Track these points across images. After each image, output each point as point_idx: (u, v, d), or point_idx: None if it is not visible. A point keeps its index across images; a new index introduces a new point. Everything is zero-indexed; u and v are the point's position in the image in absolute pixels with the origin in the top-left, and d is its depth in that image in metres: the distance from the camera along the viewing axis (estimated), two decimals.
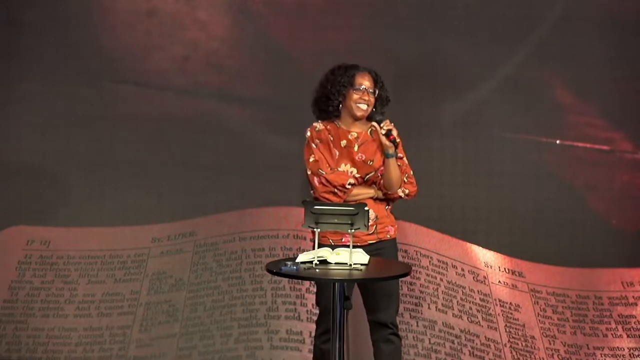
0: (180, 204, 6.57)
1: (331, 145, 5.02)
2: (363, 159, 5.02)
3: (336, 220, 4.46)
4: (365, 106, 5.01)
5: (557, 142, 6.63)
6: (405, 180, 5.08)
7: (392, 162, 4.97)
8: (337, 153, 5.02)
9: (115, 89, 6.67)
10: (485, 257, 6.41)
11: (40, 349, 6.08)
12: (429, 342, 5.97)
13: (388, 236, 5.08)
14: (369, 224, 4.80)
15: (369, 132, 5.07)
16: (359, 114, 5.02)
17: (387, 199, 5.09)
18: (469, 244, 6.42)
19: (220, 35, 6.68)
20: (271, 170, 6.50)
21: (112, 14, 6.67)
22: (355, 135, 5.05)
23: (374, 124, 4.99)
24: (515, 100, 6.58)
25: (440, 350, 5.96)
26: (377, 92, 5.03)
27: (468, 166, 6.58)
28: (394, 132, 4.94)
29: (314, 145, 5.03)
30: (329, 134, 5.05)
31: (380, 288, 5.01)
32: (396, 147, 4.95)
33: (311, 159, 5.03)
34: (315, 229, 4.49)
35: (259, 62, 6.63)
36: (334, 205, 4.61)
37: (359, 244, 4.84)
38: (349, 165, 5.00)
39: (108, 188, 6.60)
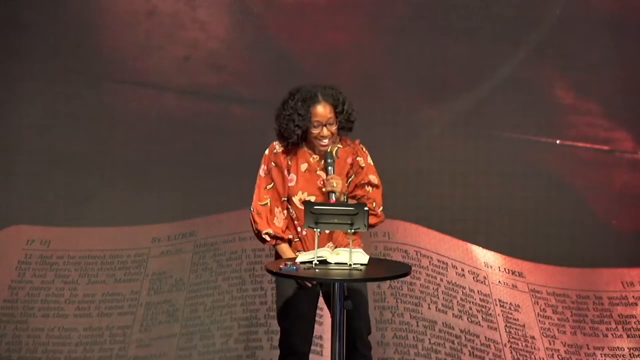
0: (180, 204, 6.57)
1: (285, 171, 4.75)
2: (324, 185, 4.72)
3: (336, 220, 4.45)
4: (326, 140, 4.68)
5: (557, 142, 6.63)
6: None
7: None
8: (295, 179, 4.74)
9: (115, 89, 6.67)
10: (485, 257, 6.41)
11: (40, 349, 6.08)
12: (429, 342, 5.97)
13: None
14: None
15: (334, 152, 4.77)
16: (321, 149, 4.72)
17: None
18: (469, 244, 6.42)
19: (220, 35, 6.68)
20: None
21: (111, 14, 6.67)
22: (318, 158, 4.77)
23: (314, 160, 4.72)
24: (515, 100, 6.58)
25: (440, 350, 5.96)
26: (338, 119, 4.68)
27: (468, 166, 6.57)
28: (336, 196, 4.61)
29: (264, 167, 4.79)
30: (288, 156, 4.76)
31: (355, 307, 4.63)
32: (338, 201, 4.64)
33: (257, 184, 4.79)
34: (315, 229, 4.48)
35: (259, 62, 6.63)
36: (333, 206, 4.59)
37: None
38: (306, 194, 4.72)
39: (108, 188, 6.60)
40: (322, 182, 4.72)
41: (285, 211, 4.78)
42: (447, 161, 6.58)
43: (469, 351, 5.99)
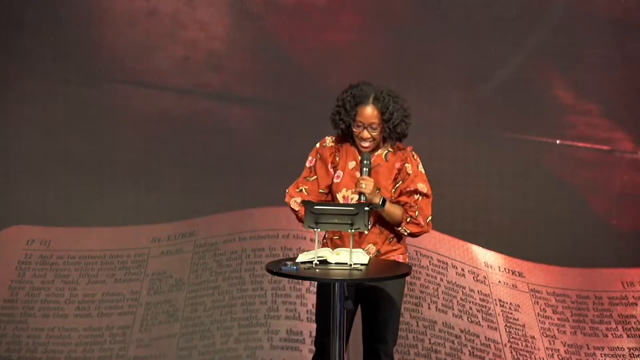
0: (180, 204, 6.57)
1: (330, 165, 4.75)
2: None
3: (336, 220, 4.44)
4: (367, 143, 4.66)
5: (557, 142, 6.63)
6: (408, 221, 4.68)
7: (381, 211, 4.63)
8: (341, 175, 4.73)
9: (115, 89, 6.67)
10: (485, 257, 6.41)
11: (40, 349, 6.08)
12: (429, 342, 5.97)
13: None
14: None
15: (383, 156, 4.74)
16: (362, 149, 4.69)
17: (396, 232, 4.74)
18: (468, 244, 6.42)
19: (220, 35, 6.68)
20: (271, 170, 6.49)
21: (112, 14, 6.67)
22: None
23: (357, 175, 4.67)
24: (515, 100, 6.57)
25: (440, 350, 5.96)
26: (383, 123, 4.64)
27: (468, 166, 6.57)
28: (365, 197, 4.55)
29: (311, 159, 4.79)
30: (337, 152, 4.76)
31: (378, 312, 4.70)
32: (371, 208, 4.54)
33: (304, 171, 4.80)
34: (315, 229, 4.48)
35: (259, 62, 6.63)
36: (334, 205, 4.59)
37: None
38: (350, 192, 4.70)
39: (108, 188, 6.59)
40: None
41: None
42: (447, 161, 6.57)
43: (469, 351, 5.99)
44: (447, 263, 6.29)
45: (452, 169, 6.57)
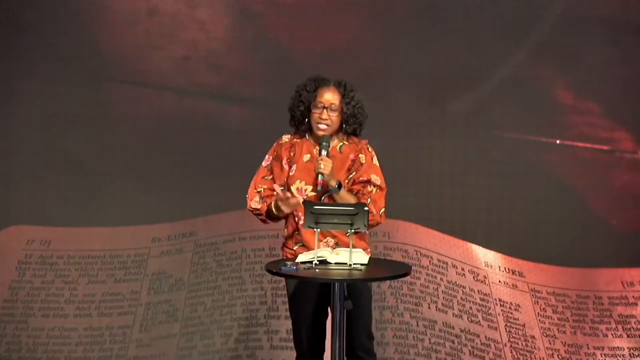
0: (180, 204, 6.57)
1: (285, 160, 4.79)
2: None
3: (336, 220, 4.45)
4: (325, 126, 4.73)
5: (557, 142, 6.63)
6: None
7: (335, 196, 4.67)
8: (295, 168, 4.76)
9: (115, 89, 6.67)
10: (485, 257, 6.41)
11: (40, 349, 6.08)
12: (429, 342, 5.97)
13: None
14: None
15: (338, 148, 4.79)
16: (319, 133, 4.74)
17: None
18: (469, 244, 6.42)
19: (220, 35, 6.68)
20: None
21: (112, 14, 6.67)
22: None
23: (317, 151, 4.73)
24: (515, 100, 6.58)
25: (441, 350, 5.96)
26: (343, 108, 4.73)
27: (468, 166, 6.58)
28: (323, 177, 4.62)
29: (267, 157, 4.86)
30: (292, 148, 4.81)
31: (353, 314, 4.63)
32: (329, 191, 4.63)
33: (257, 172, 4.87)
34: (315, 229, 4.48)
35: (259, 62, 6.63)
36: (333, 205, 4.59)
37: None
38: (303, 183, 4.73)
39: (108, 188, 6.60)
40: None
41: None
42: (447, 161, 6.58)
43: (469, 351, 5.99)
44: (447, 263, 6.29)
45: (452, 169, 6.57)
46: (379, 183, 4.77)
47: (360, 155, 4.79)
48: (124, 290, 6.31)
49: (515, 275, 6.39)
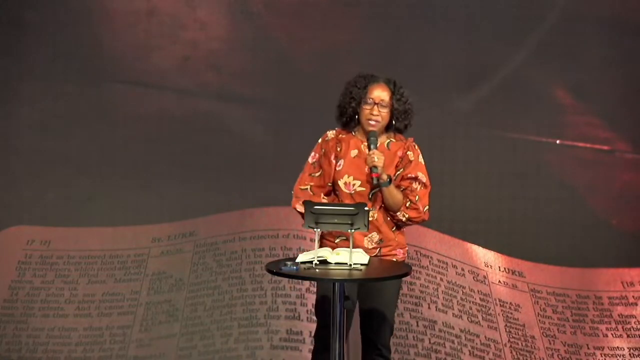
0: (180, 204, 6.57)
1: (332, 156, 4.83)
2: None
3: (336, 220, 4.45)
4: (374, 122, 4.79)
5: (557, 142, 6.63)
6: (407, 205, 4.77)
7: (384, 190, 4.73)
8: (342, 163, 4.79)
9: (115, 89, 6.67)
10: (485, 257, 6.41)
11: (40, 349, 6.08)
12: (429, 342, 5.97)
13: (394, 260, 4.82)
14: (372, 246, 4.73)
15: (385, 144, 4.84)
16: (368, 129, 4.79)
17: (394, 220, 4.83)
18: (469, 244, 6.42)
19: (220, 35, 6.68)
20: (271, 170, 6.50)
21: (112, 14, 6.67)
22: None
23: (364, 147, 4.79)
24: (515, 100, 6.58)
25: (440, 350, 5.96)
26: (393, 104, 4.80)
27: (468, 166, 6.58)
28: (377, 170, 4.69)
29: (314, 154, 4.89)
30: (339, 143, 4.84)
31: (376, 307, 4.78)
32: (379, 184, 4.70)
33: (303, 169, 4.90)
34: (315, 229, 4.48)
35: (259, 62, 6.63)
36: (334, 205, 4.59)
37: None
38: (352, 178, 4.77)
39: (108, 188, 6.60)
40: (368, 169, 4.76)
41: (326, 197, 4.84)
42: (447, 161, 6.58)
43: (469, 351, 5.99)
44: (447, 263, 6.29)
45: (452, 169, 6.57)
46: (424, 181, 4.84)
47: (408, 152, 4.84)
48: (124, 290, 6.31)
49: (515, 275, 6.39)
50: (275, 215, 6.36)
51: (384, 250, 4.80)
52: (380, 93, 4.81)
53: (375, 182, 4.72)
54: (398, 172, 4.82)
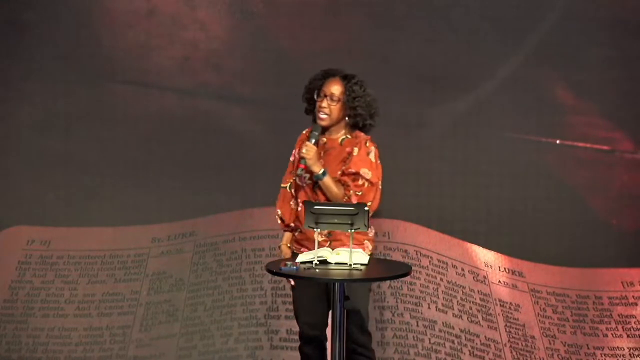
0: (180, 204, 6.57)
1: (297, 151, 4.94)
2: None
3: (336, 220, 4.45)
4: (325, 115, 4.81)
5: (557, 142, 6.63)
6: (344, 200, 4.76)
7: (320, 183, 4.76)
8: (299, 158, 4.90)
9: (115, 89, 6.67)
10: (485, 257, 6.41)
11: (40, 348, 6.08)
12: (429, 342, 5.97)
13: None
14: (322, 239, 4.74)
15: (339, 140, 4.88)
16: (320, 123, 4.84)
17: None
18: (469, 244, 6.42)
19: (220, 35, 6.68)
20: (271, 170, 6.49)
21: (112, 14, 6.67)
22: (325, 141, 4.89)
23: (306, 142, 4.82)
24: (515, 100, 6.58)
25: (440, 350, 5.96)
26: (345, 99, 4.81)
27: (468, 166, 6.57)
28: (304, 162, 4.75)
29: (293, 152, 4.98)
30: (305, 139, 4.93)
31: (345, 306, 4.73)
32: (315, 177, 4.75)
33: (289, 166, 5.01)
34: (315, 229, 4.48)
35: (259, 62, 6.63)
36: (334, 205, 4.59)
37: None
38: (304, 171, 4.85)
39: (108, 188, 6.60)
40: (320, 162, 4.79)
41: None
42: (447, 161, 6.58)
43: (469, 351, 5.99)
44: (447, 263, 6.29)
45: (452, 169, 6.57)
46: (368, 177, 4.79)
47: (355, 148, 4.83)
48: (124, 290, 6.31)
49: (515, 275, 6.39)
50: (275, 215, 6.36)
51: (335, 244, 4.77)
52: (331, 86, 4.83)
53: (299, 172, 4.82)
54: (344, 168, 4.81)
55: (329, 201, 4.75)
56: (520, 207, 6.57)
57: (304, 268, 4.45)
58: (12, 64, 6.63)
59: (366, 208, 4.43)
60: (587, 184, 6.61)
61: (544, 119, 6.60)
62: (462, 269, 6.30)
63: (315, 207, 4.46)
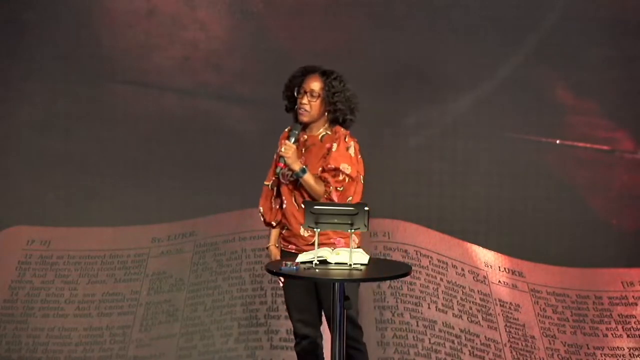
0: (180, 204, 6.57)
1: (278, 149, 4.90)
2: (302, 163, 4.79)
3: (336, 220, 4.45)
4: (303, 111, 4.80)
5: (557, 142, 6.63)
6: (325, 197, 4.75)
7: (301, 180, 4.76)
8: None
9: (115, 89, 6.67)
10: (485, 257, 6.41)
11: (40, 348, 6.08)
12: (429, 342, 5.97)
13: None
14: (309, 234, 4.75)
15: (319, 137, 4.85)
16: (301, 119, 4.82)
17: None
18: (469, 244, 6.42)
19: (220, 35, 6.68)
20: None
21: (112, 14, 6.67)
22: (306, 138, 4.86)
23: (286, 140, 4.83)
24: (515, 100, 6.58)
25: (440, 350, 5.96)
26: (324, 94, 4.79)
27: (468, 166, 6.58)
28: (283, 160, 4.74)
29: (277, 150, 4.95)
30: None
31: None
32: (295, 175, 4.76)
33: (272, 164, 4.98)
34: (315, 229, 4.48)
35: (259, 62, 6.63)
36: (333, 205, 4.59)
37: (296, 253, 4.70)
38: (279, 168, 4.84)
39: (108, 188, 6.60)
40: (302, 160, 4.79)
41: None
42: (447, 161, 6.58)
43: (469, 351, 5.99)
44: (447, 263, 6.29)
45: (452, 169, 6.57)
46: (348, 172, 4.77)
47: (334, 144, 4.81)
48: (124, 290, 6.31)
49: (515, 275, 6.39)
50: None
51: (320, 239, 4.67)
52: (311, 83, 4.82)
53: (278, 170, 4.82)
54: (324, 164, 4.81)
55: (311, 198, 4.76)
56: (520, 207, 6.58)
57: (304, 268, 4.45)
58: (12, 64, 6.63)
59: (366, 208, 4.42)
60: (587, 184, 6.61)
61: (544, 119, 6.60)
62: (462, 269, 6.30)
63: (315, 207, 4.46)
